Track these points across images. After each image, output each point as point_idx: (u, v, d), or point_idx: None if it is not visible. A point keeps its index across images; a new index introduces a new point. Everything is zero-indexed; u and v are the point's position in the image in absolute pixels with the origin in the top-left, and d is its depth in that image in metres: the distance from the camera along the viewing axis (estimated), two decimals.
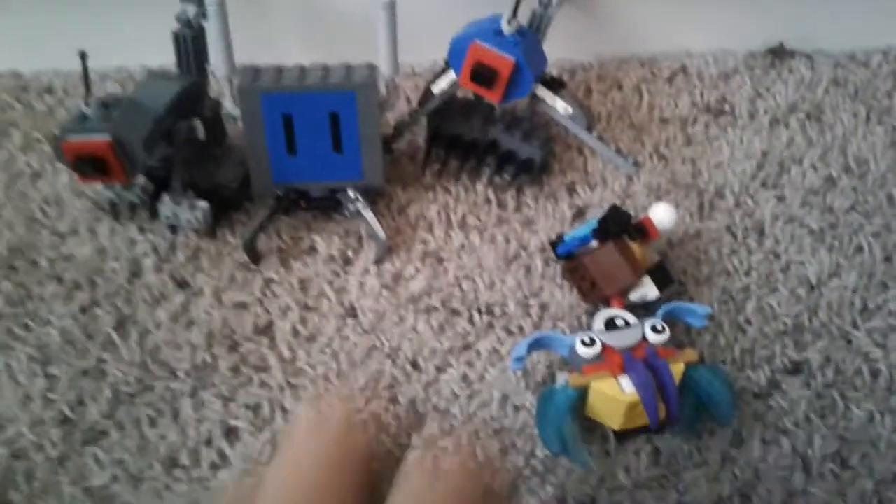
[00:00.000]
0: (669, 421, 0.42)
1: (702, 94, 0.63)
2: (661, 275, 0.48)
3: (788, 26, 0.67)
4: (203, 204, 0.51)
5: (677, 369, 0.43)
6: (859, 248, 0.53)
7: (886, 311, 0.50)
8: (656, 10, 0.66)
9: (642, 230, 0.48)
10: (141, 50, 0.63)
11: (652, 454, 0.44)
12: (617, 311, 0.47)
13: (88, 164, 0.45)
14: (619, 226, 0.48)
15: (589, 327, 0.48)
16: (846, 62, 0.66)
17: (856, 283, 0.51)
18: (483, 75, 0.49)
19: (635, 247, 0.48)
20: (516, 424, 0.46)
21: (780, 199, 0.56)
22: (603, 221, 0.48)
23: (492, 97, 0.51)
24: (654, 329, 0.45)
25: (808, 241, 0.54)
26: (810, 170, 0.58)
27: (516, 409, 0.46)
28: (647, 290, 0.48)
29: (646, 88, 0.64)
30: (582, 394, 0.43)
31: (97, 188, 0.53)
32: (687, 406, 0.43)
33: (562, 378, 0.44)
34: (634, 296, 0.48)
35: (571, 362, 0.45)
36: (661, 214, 0.48)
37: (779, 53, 0.66)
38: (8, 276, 0.52)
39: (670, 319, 0.47)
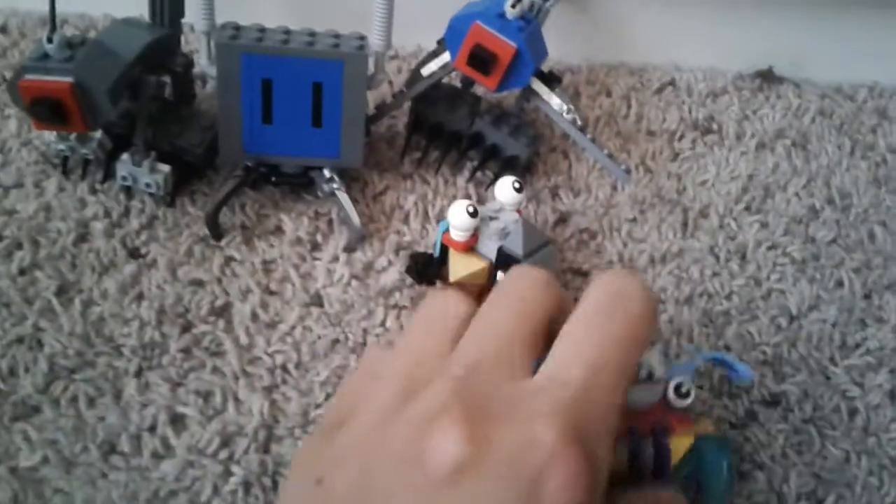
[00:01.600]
0: None
1: (690, 110, 0.62)
2: None
3: (778, 51, 0.66)
4: (165, 167, 0.47)
5: (684, 444, 0.37)
6: (840, 283, 0.52)
7: (865, 349, 0.49)
8: (649, 20, 0.64)
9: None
10: None
11: None
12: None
13: (46, 109, 0.41)
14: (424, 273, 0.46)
15: None
16: (832, 94, 0.65)
17: (835, 318, 0.50)
18: (481, 59, 0.46)
19: None
20: None
21: (764, 224, 0.55)
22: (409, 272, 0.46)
23: (487, 84, 0.48)
24: (677, 391, 0.37)
25: (789, 271, 0.52)
26: (794, 198, 0.57)
27: None
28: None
29: (634, 98, 0.62)
30: None
31: (49, 138, 0.48)
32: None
33: None
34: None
35: None
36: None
37: (767, 78, 0.65)
38: None
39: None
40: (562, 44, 0.63)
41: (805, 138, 0.61)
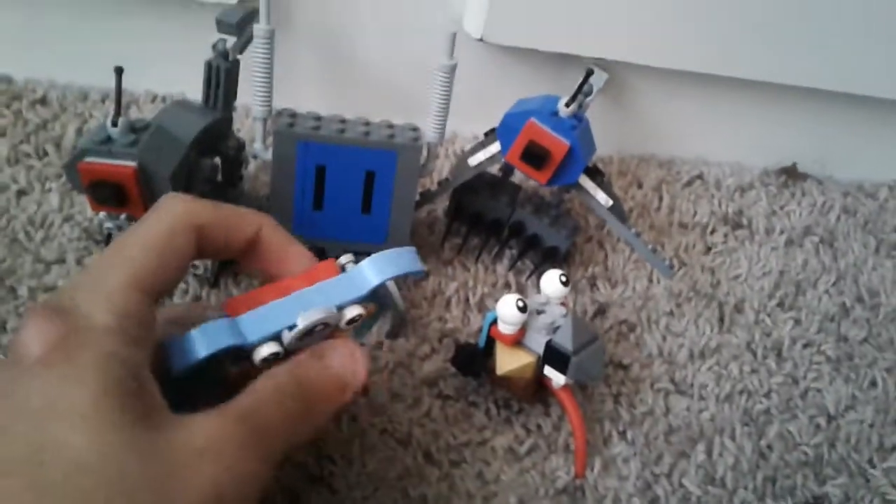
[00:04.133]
0: None
1: (720, 204, 0.63)
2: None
3: (801, 149, 0.68)
4: None
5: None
6: (874, 383, 0.53)
7: None
8: (677, 114, 0.66)
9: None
10: (150, 75, 0.59)
11: None
12: None
13: (106, 191, 0.41)
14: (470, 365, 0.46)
15: None
16: (854, 191, 0.67)
17: (872, 419, 0.50)
18: (535, 155, 0.47)
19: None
20: None
21: (797, 321, 0.55)
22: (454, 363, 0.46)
23: (539, 178, 0.48)
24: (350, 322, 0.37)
25: (825, 369, 0.53)
26: (825, 295, 0.57)
27: None
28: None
29: (665, 190, 0.63)
30: None
31: (93, 215, 0.48)
32: None
33: None
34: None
35: None
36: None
37: (791, 174, 0.67)
38: None
39: None
40: (594, 134, 0.64)
41: (832, 235, 0.62)
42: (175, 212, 0.34)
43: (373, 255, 0.37)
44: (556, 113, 0.48)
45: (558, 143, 0.47)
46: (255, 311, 0.35)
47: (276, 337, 0.35)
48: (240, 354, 0.35)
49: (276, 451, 0.31)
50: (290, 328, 0.34)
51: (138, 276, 0.31)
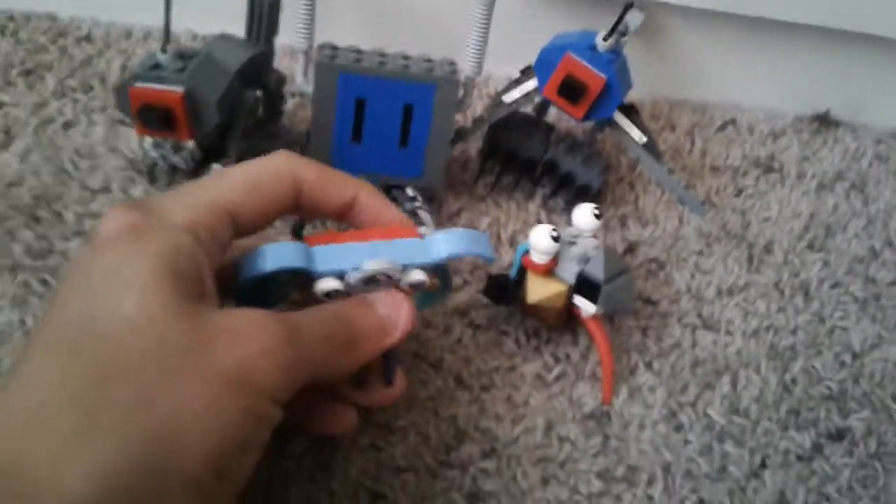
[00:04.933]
0: None
1: (752, 149, 0.63)
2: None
3: (835, 96, 0.67)
4: None
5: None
6: None
7: None
8: (711, 58, 0.66)
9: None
10: (190, 14, 0.60)
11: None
12: None
13: (154, 116, 0.42)
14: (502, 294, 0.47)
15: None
16: (888, 139, 0.67)
17: None
18: (572, 89, 0.48)
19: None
20: (560, 456, 0.44)
21: (826, 263, 0.56)
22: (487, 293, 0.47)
23: (575, 113, 0.49)
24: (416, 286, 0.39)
25: (852, 309, 0.53)
26: (854, 238, 0.58)
27: (560, 439, 0.45)
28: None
29: (698, 134, 0.63)
30: None
31: (144, 146, 0.50)
32: None
33: None
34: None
35: None
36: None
37: (825, 121, 0.67)
38: (29, 226, 0.48)
39: None
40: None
41: (863, 181, 0.63)
42: (282, 161, 0.36)
43: (449, 230, 0.38)
44: (593, 47, 0.48)
45: (595, 77, 0.48)
46: (329, 245, 0.36)
47: (341, 275, 0.36)
48: (305, 283, 0.36)
49: (306, 369, 0.33)
50: (356, 270, 0.36)
51: (227, 200, 0.33)
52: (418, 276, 0.37)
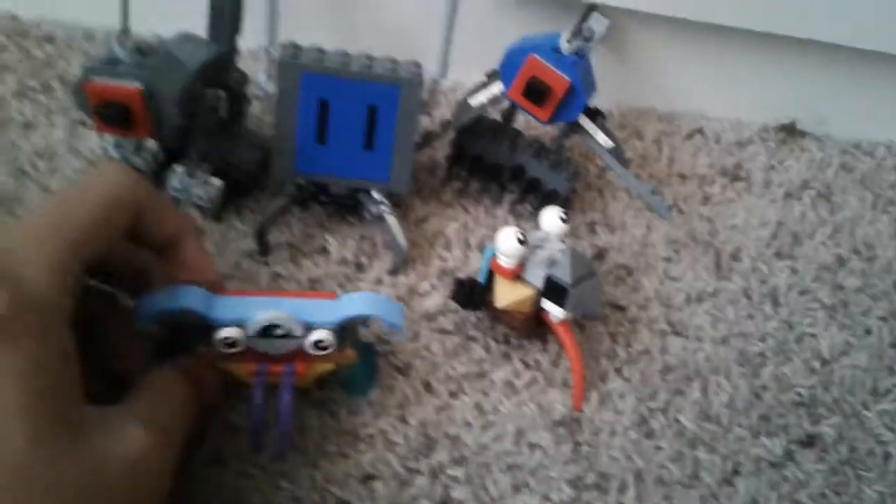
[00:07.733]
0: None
1: (719, 157, 0.63)
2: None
3: (801, 106, 0.68)
4: (217, 181, 0.47)
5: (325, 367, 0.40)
6: (868, 331, 0.53)
7: (895, 395, 0.50)
8: (677, 68, 0.66)
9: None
10: (153, 16, 0.59)
11: None
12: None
13: (112, 112, 0.41)
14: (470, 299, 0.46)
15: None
16: (852, 150, 0.67)
17: (866, 364, 0.51)
18: (536, 91, 0.47)
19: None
20: (530, 463, 0.43)
21: (794, 270, 0.56)
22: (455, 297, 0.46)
23: (540, 115, 0.49)
24: (317, 345, 0.38)
25: (820, 316, 0.53)
26: (822, 246, 0.58)
27: (531, 446, 0.44)
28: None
29: (665, 142, 0.63)
30: None
31: (99, 146, 0.48)
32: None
33: None
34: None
35: None
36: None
37: (791, 131, 0.67)
38: None
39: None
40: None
41: (829, 190, 0.63)
42: (124, 189, 0.35)
43: (362, 293, 0.39)
44: (557, 49, 0.48)
45: (559, 79, 0.47)
46: (232, 297, 0.37)
47: (241, 325, 0.36)
48: (207, 333, 0.37)
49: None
50: (251, 321, 0.36)
51: (78, 242, 0.32)
52: (321, 334, 0.37)
